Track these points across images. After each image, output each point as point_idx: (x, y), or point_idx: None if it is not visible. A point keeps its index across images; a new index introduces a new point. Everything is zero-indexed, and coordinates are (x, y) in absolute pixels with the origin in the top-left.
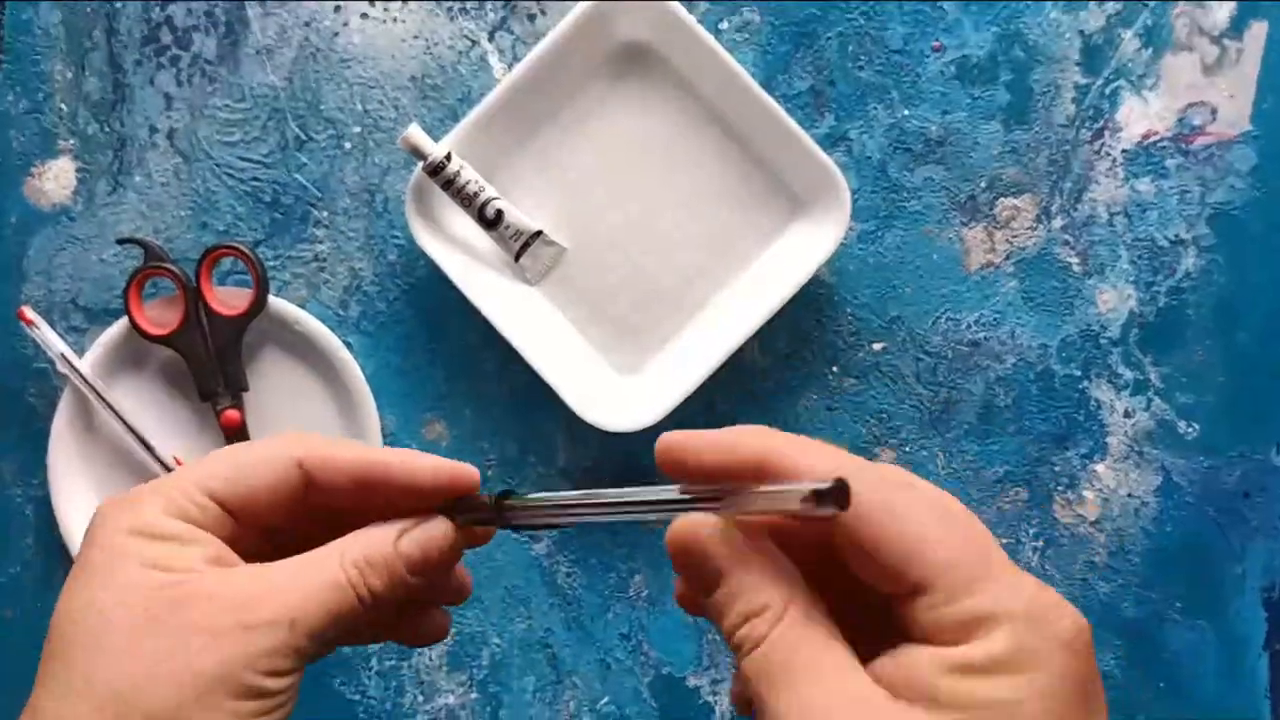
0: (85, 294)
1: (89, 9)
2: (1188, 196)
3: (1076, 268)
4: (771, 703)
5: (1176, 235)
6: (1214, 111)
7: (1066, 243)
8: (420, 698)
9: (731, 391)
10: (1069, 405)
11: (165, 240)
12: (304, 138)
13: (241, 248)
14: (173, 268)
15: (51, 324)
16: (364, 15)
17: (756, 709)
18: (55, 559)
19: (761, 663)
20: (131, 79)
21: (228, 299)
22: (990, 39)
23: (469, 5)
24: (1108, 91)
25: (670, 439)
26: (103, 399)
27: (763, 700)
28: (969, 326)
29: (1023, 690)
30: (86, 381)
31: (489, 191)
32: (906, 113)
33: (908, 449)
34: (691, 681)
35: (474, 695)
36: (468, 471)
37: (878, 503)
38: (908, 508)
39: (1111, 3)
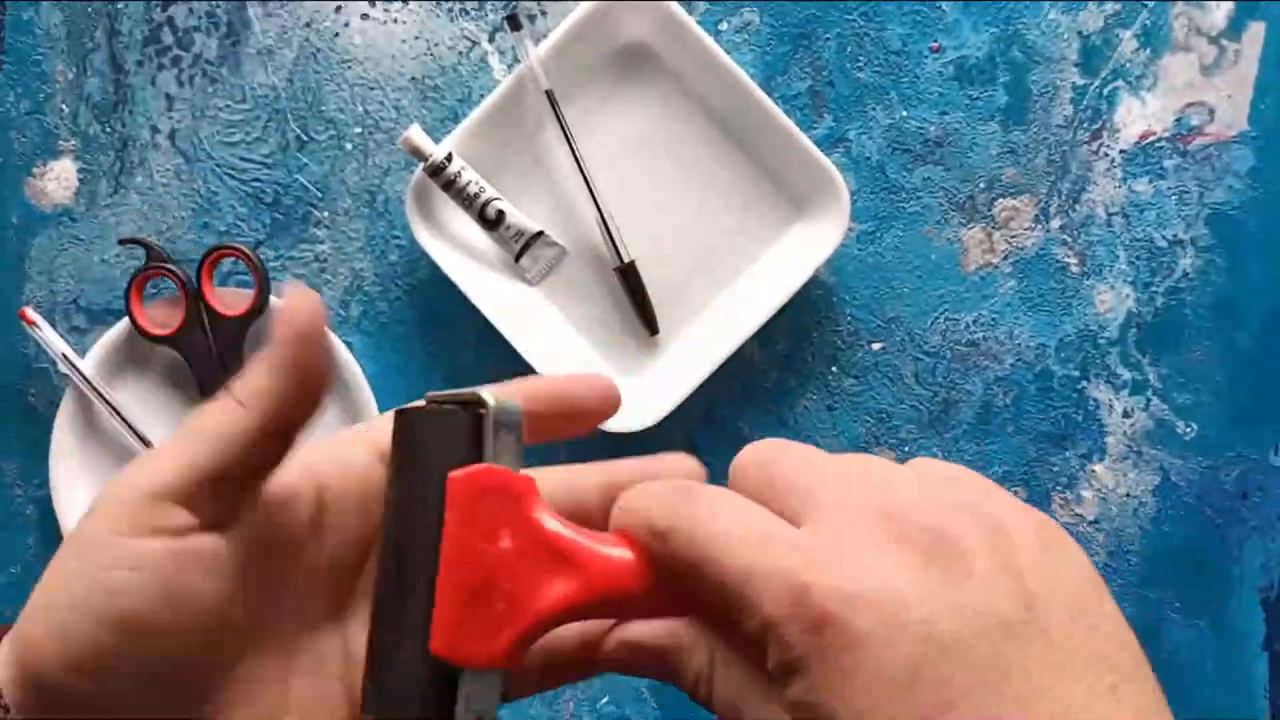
0: (87, 294)
1: (90, 9)
2: (1185, 197)
3: (1074, 268)
4: None
5: (1174, 235)
6: (1212, 112)
7: (1064, 243)
8: None
9: (731, 391)
10: (1067, 405)
11: (166, 241)
12: (305, 138)
13: (243, 248)
14: (174, 268)
15: (53, 324)
16: (364, 16)
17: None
18: None
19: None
20: (133, 79)
21: (229, 300)
22: (988, 40)
23: (469, 6)
24: (1106, 92)
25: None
26: (104, 399)
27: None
28: (967, 326)
29: (814, 693)
30: (88, 382)
31: (490, 192)
32: (905, 114)
33: (907, 448)
34: None
35: None
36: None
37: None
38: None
39: (1110, 3)
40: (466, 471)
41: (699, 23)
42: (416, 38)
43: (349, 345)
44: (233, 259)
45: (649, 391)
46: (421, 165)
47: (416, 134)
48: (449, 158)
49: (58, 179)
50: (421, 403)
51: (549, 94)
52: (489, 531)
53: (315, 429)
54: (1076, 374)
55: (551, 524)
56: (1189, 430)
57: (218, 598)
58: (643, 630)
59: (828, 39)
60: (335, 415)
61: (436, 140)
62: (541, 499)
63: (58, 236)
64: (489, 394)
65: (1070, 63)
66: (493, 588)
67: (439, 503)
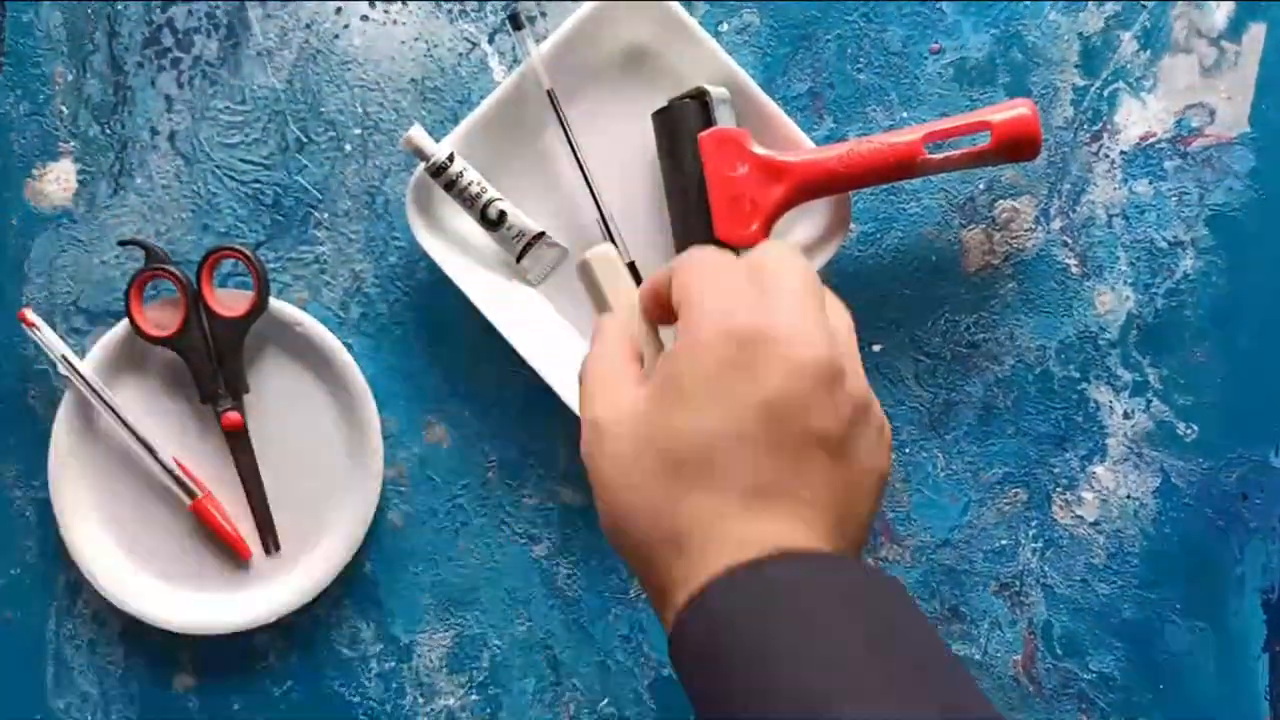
0: (86, 296)
1: (90, 11)
2: (1186, 198)
3: (1075, 269)
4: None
5: (1175, 237)
6: (1212, 113)
7: (1065, 244)
8: (420, 699)
9: None
10: (1068, 407)
11: (166, 242)
12: (305, 140)
13: (242, 250)
14: (174, 270)
15: (53, 326)
16: (364, 17)
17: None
18: (56, 561)
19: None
20: (132, 81)
21: (228, 301)
22: (989, 41)
23: (469, 8)
24: (1106, 93)
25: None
26: (104, 401)
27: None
28: (968, 328)
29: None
30: (87, 383)
31: (491, 192)
32: (905, 115)
33: (907, 450)
34: None
35: (474, 697)
36: None
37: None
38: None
39: (1110, 4)
40: (708, 132)
41: (700, 23)
42: (416, 39)
43: (349, 347)
44: (232, 260)
45: None
46: (423, 165)
47: (419, 134)
48: (450, 158)
49: (57, 181)
50: (666, 103)
51: (550, 94)
52: (730, 164)
53: (315, 429)
54: (1077, 375)
55: (765, 153)
56: (1190, 432)
57: None
58: None
59: (828, 40)
60: (334, 416)
61: (436, 141)
62: (754, 140)
63: (57, 238)
64: (710, 87)
65: (1070, 64)
66: (741, 196)
67: (697, 153)
